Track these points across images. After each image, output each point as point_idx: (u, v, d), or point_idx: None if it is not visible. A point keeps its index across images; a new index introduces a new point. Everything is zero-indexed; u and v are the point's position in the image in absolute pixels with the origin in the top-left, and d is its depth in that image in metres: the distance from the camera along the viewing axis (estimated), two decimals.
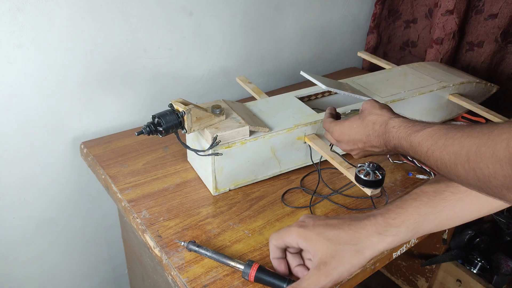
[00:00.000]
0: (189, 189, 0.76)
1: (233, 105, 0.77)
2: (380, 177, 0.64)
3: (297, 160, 0.80)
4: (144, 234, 0.66)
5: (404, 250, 0.71)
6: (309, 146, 0.78)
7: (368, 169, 0.64)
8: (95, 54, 0.86)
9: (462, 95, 0.95)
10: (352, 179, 0.67)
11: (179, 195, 0.74)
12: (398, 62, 1.35)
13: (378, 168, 0.64)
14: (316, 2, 1.19)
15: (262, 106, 0.82)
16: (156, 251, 0.63)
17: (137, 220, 0.68)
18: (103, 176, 0.79)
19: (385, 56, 1.40)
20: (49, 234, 0.97)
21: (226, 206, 0.72)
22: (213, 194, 0.74)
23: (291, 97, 0.85)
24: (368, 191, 0.65)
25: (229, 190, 0.75)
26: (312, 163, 0.80)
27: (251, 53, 1.12)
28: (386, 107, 0.63)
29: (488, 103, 1.13)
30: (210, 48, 1.03)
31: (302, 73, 0.78)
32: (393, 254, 0.69)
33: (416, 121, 0.56)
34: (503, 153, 0.39)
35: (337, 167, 0.71)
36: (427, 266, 1.04)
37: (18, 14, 0.74)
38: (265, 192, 0.76)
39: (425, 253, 1.03)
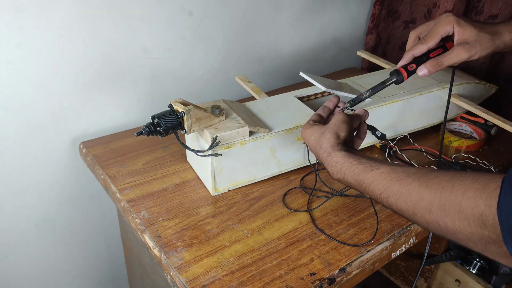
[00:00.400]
0: (188, 189, 0.76)
1: (232, 105, 0.77)
2: None
3: (297, 160, 0.80)
4: (143, 234, 0.66)
5: (403, 250, 0.72)
6: (307, 146, 0.78)
7: None
8: (95, 54, 0.86)
9: (462, 95, 0.95)
10: None
11: (178, 195, 0.74)
12: (397, 63, 1.35)
13: None
14: (316, 2, 1.19)
15: (262, 106, 0.82)
16: (155, 251, 0.63)
17: (136, 220, 0.68)
18: (102, 176, 0.79)
19: (384, 57, 1.40)
20: (48, 234, 0.97)
21: (225, 206, 0.72)
22: (212, 194, 0.74)
23: (290, 97, 0.85)
24: None
25: (228, 191, 0.75)
26: (309, 163, 0.80)
27: (250, 53, 1.12)
28: (339, 133, 0.60)
29: (487, 104, 1.13)
30: (210, 48, 1.03)
31: (301, 74, 0.78)
32: (392, 254, 0.70)
33: (359, 157, 0.56)
34: (470, 212, 0.39)
35: None
36: (426, 266, 1.04)
37: (17, 15, 0.74)
38: (264, 192, 0.76)
39: (424, 253, 1.03)
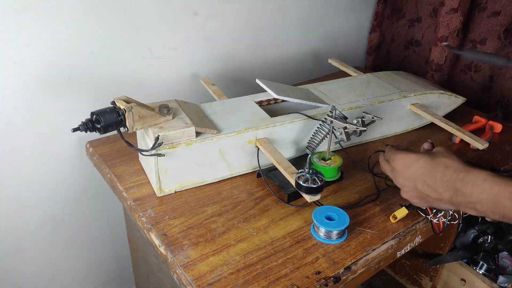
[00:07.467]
0: (194, 187, 0.76)
1: (184, 105, 0.76)
2: (320, 183, 0.62)
3: (248, 163, 0.79)
4: (150, 232, 0.67)
5: (408, 249, 0.72)
6: (258, 150, 0.77)
7: (307, 175, 0.63)
8: (101, 54, 0.86)
9: (426, 105, 0.93)
10: (294, 185, 0.66)
11: (184, 194, 0.74)
12: (401, 61, 1.35)
13: (317, 173, 0.63)
14: (320, 2, 1.19)
15: (217, 108, 0.80)
16: (162, 249, 0.64)
17: (143, 218, 0.69)
18: (108, 175, 0.79)
19: (388, 55, 1.39)
20: (54, 232, 0.98)
21: (230, 205, 0.72)
22: (158, 195, 0.73)
23: (248, 100, 0.84)
24: (307, 198, 0.64)
25: (175, 192, 0.74)
26: (258, 167, 0.78)
27: (255, 53, 1.12)
28: (458, 158, 0.58)
29: (491, 106, 1.13)
30: (214, 48, 1.04)
31: (257, 81, 0.77)
32: (397, 253, 0.70)
33: (502, 175, 0.50)
34: None
35: (282, 172, 0.70)
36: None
37: (24, 14, 0.75)
38: (269, 191, 0.76)
39: (429, 252, 1.03)
